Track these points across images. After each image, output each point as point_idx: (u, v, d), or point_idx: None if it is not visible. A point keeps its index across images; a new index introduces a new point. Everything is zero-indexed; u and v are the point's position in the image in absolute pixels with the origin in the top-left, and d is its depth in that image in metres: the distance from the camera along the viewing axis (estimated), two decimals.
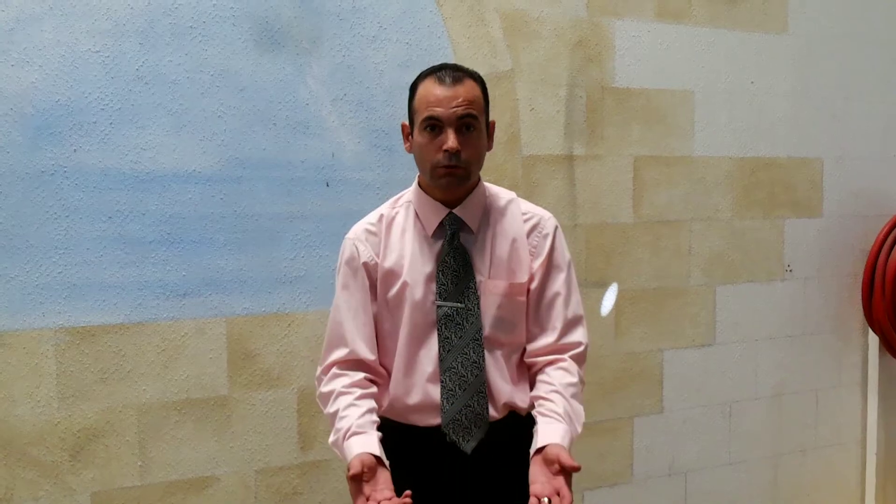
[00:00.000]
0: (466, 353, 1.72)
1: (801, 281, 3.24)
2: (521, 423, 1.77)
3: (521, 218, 1.79)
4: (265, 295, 2.40)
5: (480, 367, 1.72)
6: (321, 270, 2.44)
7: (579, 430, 1.69)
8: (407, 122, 1.76)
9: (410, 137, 1.74)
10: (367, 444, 1.60)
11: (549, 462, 1.57)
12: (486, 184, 1.83)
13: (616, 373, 2.93)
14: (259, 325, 2.40)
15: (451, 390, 1.72)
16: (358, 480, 1.55)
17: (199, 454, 2.36)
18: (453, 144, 1.64)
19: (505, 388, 1.76)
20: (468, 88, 1.67)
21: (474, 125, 1.68)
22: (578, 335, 1.80)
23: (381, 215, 1.79)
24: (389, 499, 1.52)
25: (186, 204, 2.30)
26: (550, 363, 1.76)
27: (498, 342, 1.76)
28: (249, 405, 2.40)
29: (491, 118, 1.77)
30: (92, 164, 2.20)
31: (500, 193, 1.83)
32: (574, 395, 1.72)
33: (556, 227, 1.82)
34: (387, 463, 1.60)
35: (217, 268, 2.34)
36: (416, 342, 1.75)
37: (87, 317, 2.22)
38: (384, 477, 1.57)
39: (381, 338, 1.79)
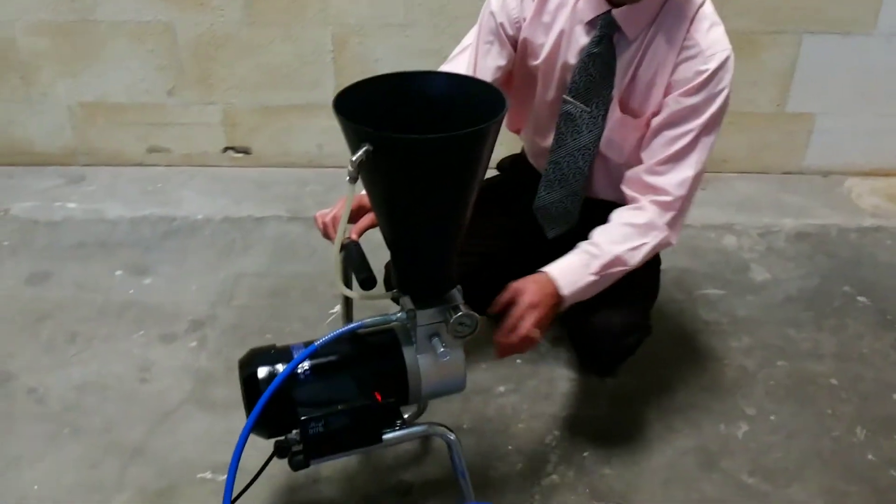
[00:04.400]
0: (574, 157, 1.65)
1: None
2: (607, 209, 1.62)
3: (681, 43, 1.50)
4: None
5: (584, 175, 1.66)
6: None
7: (610, 271, 1.51)
8: None
9: None
10: None
11: (517, 293, 1.44)
12: None
13: None
14: None
15: (551, 181, 1.71)
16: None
17: None
18: None
19: (608, 191, 1.70)
20: None
21: None
22: (673, 179, 1.53)
23: None
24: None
25: None
26: (631, 200, 1.58)
27: (608, 157, 1.67)
28: None
29: None
30: None
31: None
32: (627, 236, 1.52)
33: (716, 70, 1.48)
34: None
35: None
36: (538, 128, 1.74)
37: None
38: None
39: (513, 92, 1.72)
